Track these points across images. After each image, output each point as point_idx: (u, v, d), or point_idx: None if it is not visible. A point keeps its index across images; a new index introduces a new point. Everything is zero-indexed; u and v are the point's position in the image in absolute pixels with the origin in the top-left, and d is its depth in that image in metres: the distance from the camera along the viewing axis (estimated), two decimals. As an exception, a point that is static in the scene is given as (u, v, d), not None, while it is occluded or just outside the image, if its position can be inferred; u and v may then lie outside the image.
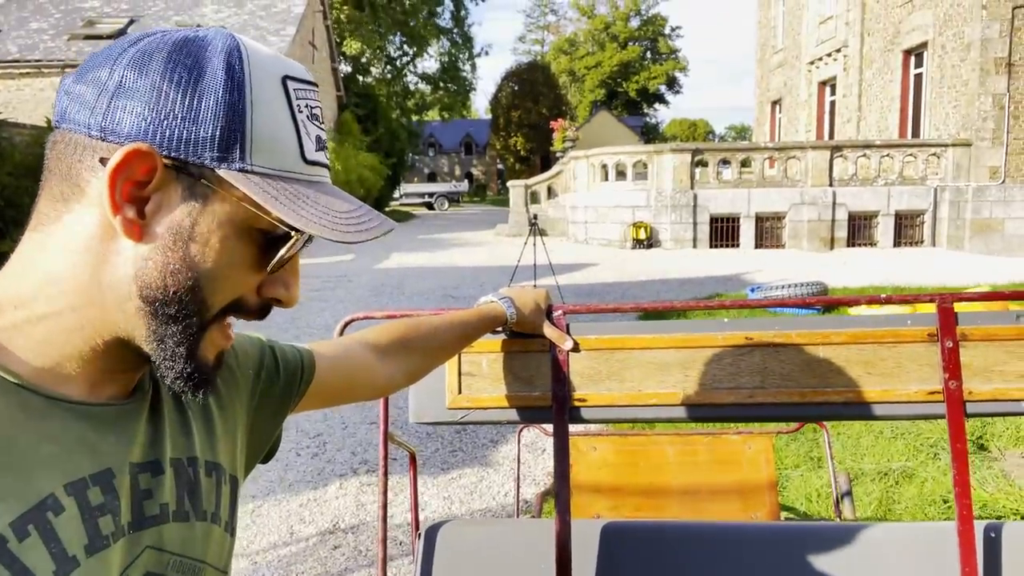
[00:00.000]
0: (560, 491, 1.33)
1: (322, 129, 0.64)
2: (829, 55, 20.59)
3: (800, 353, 1.32)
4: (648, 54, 64.05)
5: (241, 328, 0.73)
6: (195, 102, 0.56)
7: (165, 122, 0.56)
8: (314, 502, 3.61)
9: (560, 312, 1.35)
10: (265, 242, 0.61)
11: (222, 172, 0.57)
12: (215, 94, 0.57)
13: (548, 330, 1.32)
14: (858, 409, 1.31)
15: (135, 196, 0.57)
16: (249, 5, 21.88)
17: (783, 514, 2.81)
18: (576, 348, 1.34)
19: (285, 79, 0.61)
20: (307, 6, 21.98)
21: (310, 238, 0.62)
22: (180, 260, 0.58)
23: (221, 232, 0.59)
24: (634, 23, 62.92)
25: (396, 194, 37.87)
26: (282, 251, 0.62)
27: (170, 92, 0.56)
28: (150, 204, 0.58)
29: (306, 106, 0.62)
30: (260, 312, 0.65)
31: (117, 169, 0.55)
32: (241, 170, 0.58)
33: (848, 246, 14.74)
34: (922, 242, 14.85)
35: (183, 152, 0.57)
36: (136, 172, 0.56)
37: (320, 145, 0.63)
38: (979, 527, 1.30)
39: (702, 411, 1.34)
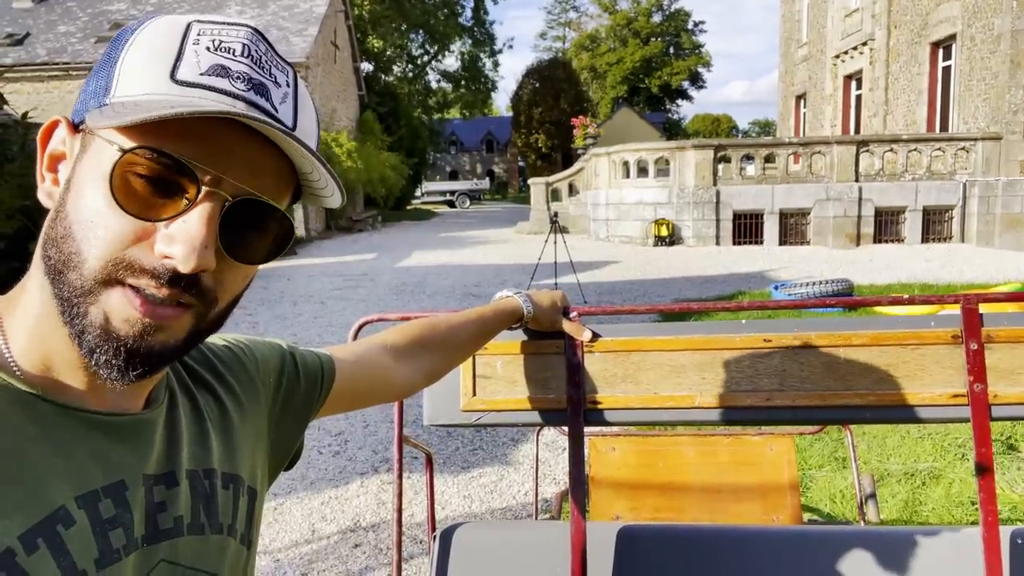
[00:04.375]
0: (575, 495, 1.32)
1: (237, 60, 0.58)
2: (855, 48, 20.27)
3: (820, 355, 1.29)
4: (671, 49, 63.55)
5: (262, 332, 0.71)
6: (97, 71, 0.60)
7: (82, 96, 0.60)
8: (335, 500, 3.64)
9: (575, 314, 1.34)
10: (144, 188, 0.55)
11: (90, 114, 0.57)
12: (106, 56, 0.59)
13: (566, 325, 1.32)
14: (879, 412, 1.29)
15: (53, 167, 0.60)
16: (272, 6, 22.04)
17: (806, 515, 2.77)
18: (595, 337, 1.34)
19: (191, 24, 0.58)
20: (329, 6, 22.10)
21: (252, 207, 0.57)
22: (60, 208, 0.57)
23: (92, 175, 0.56)
24: (656, 18, 62.46)
25: (418, 192, 38.04)
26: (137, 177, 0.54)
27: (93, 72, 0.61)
28: (60, 169, 0.60)
29: (211, 41, 0.58)
30: (167, 279, 0.55)
31: (40, 142, 0.60)
32: (100, 106, 0.56)
33: (874, 242, 14.52)
34: (951, 238, 14.58)
35: (80, 114, 0.59)
36: (51, 143, 0.60)
37: (217, 71, 0.57)
38: (1005, 532, 1.27)
39: (718, 414, 1.32)
